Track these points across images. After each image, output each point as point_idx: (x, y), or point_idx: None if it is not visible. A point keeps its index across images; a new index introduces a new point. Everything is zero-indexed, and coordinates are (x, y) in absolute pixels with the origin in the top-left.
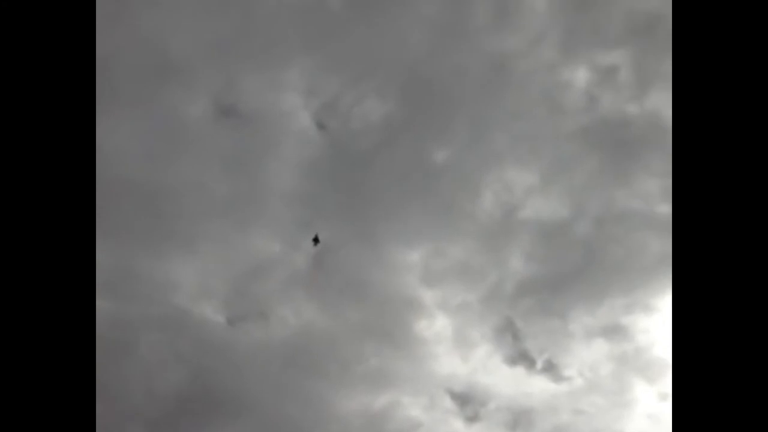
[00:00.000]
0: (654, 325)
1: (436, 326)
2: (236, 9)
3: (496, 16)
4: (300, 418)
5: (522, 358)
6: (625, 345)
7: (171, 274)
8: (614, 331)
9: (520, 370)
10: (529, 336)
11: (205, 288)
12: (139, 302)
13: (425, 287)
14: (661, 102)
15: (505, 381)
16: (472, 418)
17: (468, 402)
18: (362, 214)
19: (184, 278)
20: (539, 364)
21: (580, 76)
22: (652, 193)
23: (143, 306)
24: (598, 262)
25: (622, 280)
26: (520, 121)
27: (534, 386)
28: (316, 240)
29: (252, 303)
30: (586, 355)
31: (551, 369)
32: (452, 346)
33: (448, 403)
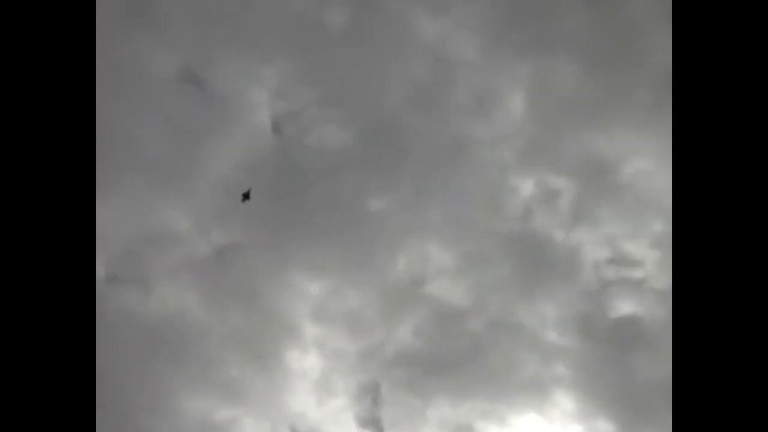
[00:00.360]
0: None
1: (306, 362)
2: None
3: (473, 101)
4: (136, 402)
5: (373, 424)
6: None
7: None
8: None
9: None
10: (387, 405)
11: (97, 237)
12: None
13: (311, 321)
14: (584, 246)
15: None
16: None
17: None
18: (281, 228)
19: None
20: None
21: (527, 186)
22: (548, 319)
23: None
24: (477, 362)
25: (491, 388)
26: (458, 204)
27: None
28: (246, 196)
29: (138, 269)
30: None
31: None
32: (313, 387)
33: None
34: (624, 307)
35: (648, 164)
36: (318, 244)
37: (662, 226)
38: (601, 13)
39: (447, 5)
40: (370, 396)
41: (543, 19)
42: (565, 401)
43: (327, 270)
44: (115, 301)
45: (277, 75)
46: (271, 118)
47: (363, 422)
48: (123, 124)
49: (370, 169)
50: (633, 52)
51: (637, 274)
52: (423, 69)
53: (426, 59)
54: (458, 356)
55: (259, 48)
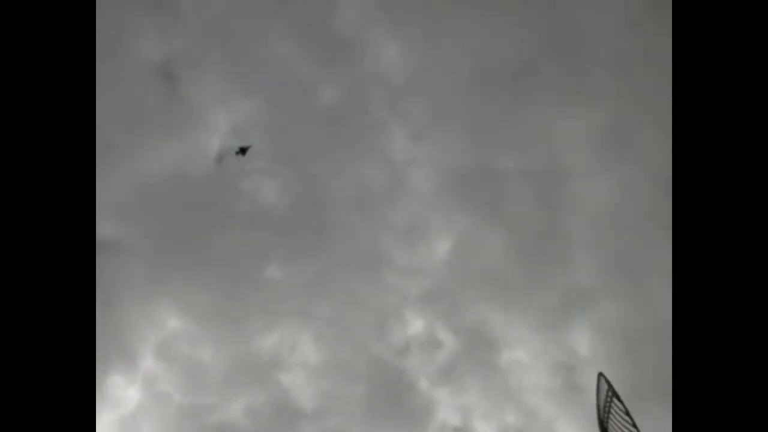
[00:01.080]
0: None
1: (126, 392)
2: (260, 44)
3: (406, 226)
4: None
5: None
6: None
7: None
8: None
9: None
10: None
11: None
12: None
13: (153, 354)
14: (440, 404)
15: None
16: None
17: None
18: (174, 252)
19: None
20: None
21: (416, 325)
22: None
23: None
24: None
25: None
26: (349, 311)
27: None
28: (243, 151)
29: None
30: None
31: None
32: (120, 422)
33: None
34: None
35: (527, 360)
36: (199, 283)
37: (515, 419)
38: (545, 215)
39: (425, 134)
40: None
41: (494, 188)
42: None
43: (194, 311)
44: None
45: (247, 112)
46: (220, 147)
47: None
48: None
49: (286, 239)
50: (557, 258)
51: None
52: (377, 176)
53: (383, 169)
54: None
55: (244, 79)
